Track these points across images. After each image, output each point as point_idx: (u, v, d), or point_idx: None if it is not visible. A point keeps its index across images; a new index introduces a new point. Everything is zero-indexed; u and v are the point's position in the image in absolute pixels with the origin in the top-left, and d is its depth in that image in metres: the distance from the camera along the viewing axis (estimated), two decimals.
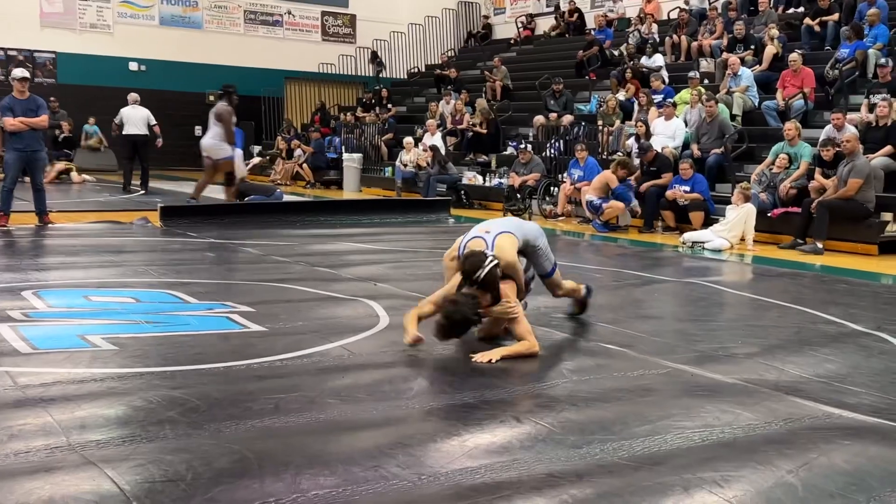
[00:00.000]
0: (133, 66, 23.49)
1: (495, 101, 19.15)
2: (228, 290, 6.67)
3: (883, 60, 12.69)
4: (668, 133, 13.20)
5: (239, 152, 13.63)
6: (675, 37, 17.72)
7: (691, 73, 14.71)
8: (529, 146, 15.15)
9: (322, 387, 4.14)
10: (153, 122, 16.24)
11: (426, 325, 4.91)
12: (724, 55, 15.25)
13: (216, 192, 13.90)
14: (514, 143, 16.27)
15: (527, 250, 5.30)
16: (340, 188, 19.14)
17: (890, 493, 3.06)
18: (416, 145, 17.37)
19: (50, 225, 10.65)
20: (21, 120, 10.29)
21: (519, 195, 14.11)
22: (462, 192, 15.70)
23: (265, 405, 3.80)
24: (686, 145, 13.19)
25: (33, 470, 3.01)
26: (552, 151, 15.30)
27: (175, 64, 23.79)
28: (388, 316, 5.76)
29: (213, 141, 12.86)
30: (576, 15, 22.34)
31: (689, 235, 10.82)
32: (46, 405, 3.73)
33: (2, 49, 22.25)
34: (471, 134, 17.49)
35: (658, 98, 14.74)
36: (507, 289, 4.91)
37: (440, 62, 24.23)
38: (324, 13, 26.50)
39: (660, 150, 12.70)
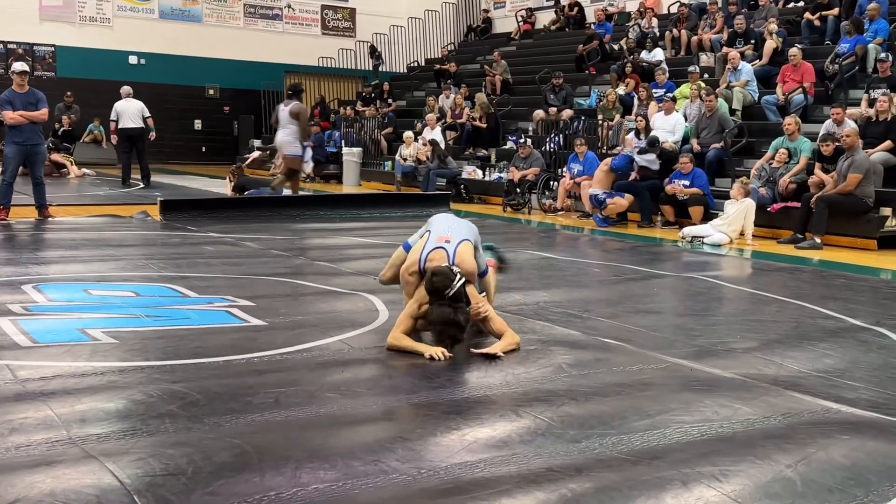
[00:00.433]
0: (132, 59, 23.47)
1: (495, 95, 19.14)
2: (228, 284, 6.68)
3: (883, 55, 12.69)
4: (667, 128, 13.19)
5: (309, 152, 14.22)
6: (674, 31, 17.71)
7: (691, 68, 14.72)
8: (529, 140, 15.16)
9: (322, 381, 4.15)
10: (147, 114, 16.19)
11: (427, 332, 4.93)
12: (724, 50, 15.25)
13: (218, 187, 13.90)
14: (514, 138, 16.27)
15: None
16: (340, 182, 19.14)
17: (888, 487, 3.07)
18: (415, 139, 17.36)
19: (50, 219, 10.65)
20: (21, 113, 10.29)
21: (518, 189, 14.11)
22: (462, 186, 15.70)
23: (265, 399, 3.81)
24: (686, 140, 13.18)
25: (34, 463, 3.02)
26: (552, 146, 15.30)
27: (174, 57, 23.76)
28: (387, 310, 5.76)
29: (287, 138, 13.38)
30: (576, 9, 22.32)
31: (688, 230, 10.82)
32: (47, 399, 3.73)
33: (1, 42, 22.23)
34: (470, 128, 17.48)
35: (658, 93, 14.73)
36: (471, 291, 4.89)
37: (440, 56, 24.21)
38: (323, 7, 26.47)
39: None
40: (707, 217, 11.27)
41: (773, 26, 14.91)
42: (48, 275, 6.92)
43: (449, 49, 25.09)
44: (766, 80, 14.35)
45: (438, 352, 4.61)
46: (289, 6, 25.83)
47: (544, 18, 23.92)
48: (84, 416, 3.55)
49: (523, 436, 3.46)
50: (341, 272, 7.48)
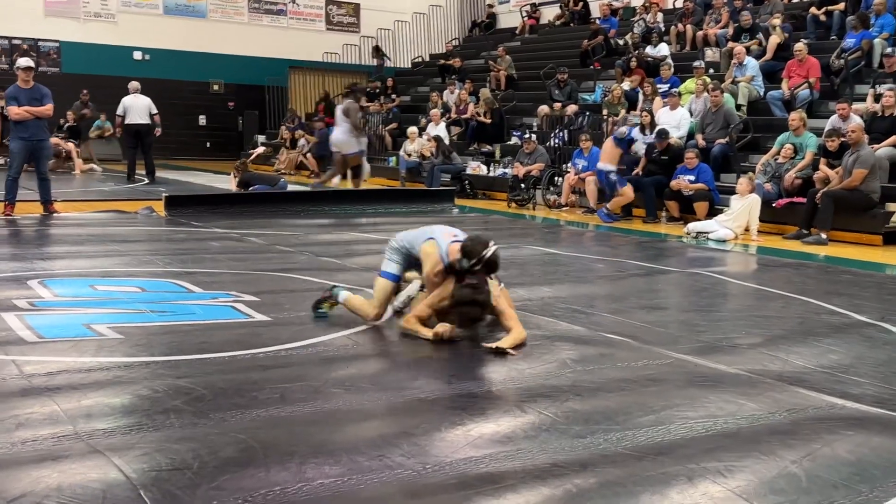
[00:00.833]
0: (137, 55, 23.47)
1: (499, 90, 19.11)
2: (233, 280, 6.69)
3: (889, 50, 12.64)
4: (672, 123, 13.16)
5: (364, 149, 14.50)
6: (679, 26, 17.66)
7: (696, 63, 14.67)
8: (534, 136, 15.13)
9: (327, 376, 4.16)
10: (154, 110, 16.22)
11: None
12: (730, 45, 15.21)
13: (223, 183, 13.90)
14: (519, 133, 16.24)
15: None
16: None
17: (893, 483, 3.07)
18: (420, 135, 17.35)
19: (55, 214, 10.66)
20: (26, 109, 10.30)
21: (523, 185, 14.10)
22: (466, 181, 15.69)
23: (270, 395, 3.81)
24: (691, 135, 13.16)
25: (40, 458, 3.03)
26: (556, 141, 15.28)
27: (179, 53, 23.77)
28: (391, 307, 5.75)
29: (344, 137, 13.76)
30: (580, 4, 22.27)
31: (693, 226, 10.80)
32: (52, 394, 3.75)
33: (6, 38, 22.25)
34: (475, 124, 17.46)
35: (663, 88, 14.70)
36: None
37: (444, 52, 24.18)
38: (328, 2, 26.45)
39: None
40: (712, 212, 11.25)
41: (776, 21, 14.87)
42: (53, 270, 6.94)
43: (453, 44, 25.07)
44: (771, 75, 14.31)
45: (441, 330, 4.70)
46: (293, 1, 25.81)
47: (549, 14, 23.88)
48: (90, 411, 3.57)
49: (528, 431, 3.46)
50: (346, 268, 7.48)
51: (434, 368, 4.44)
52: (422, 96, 21.90)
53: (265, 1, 25.45)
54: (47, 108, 10.49)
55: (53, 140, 14.59)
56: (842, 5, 15.15)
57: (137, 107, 16.09)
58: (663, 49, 16.92)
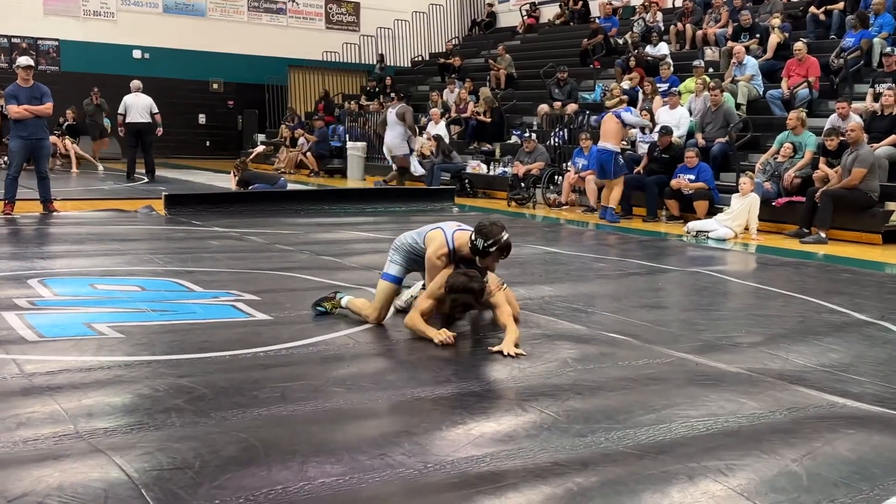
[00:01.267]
0: (136, 53, 23.47)
1: (499, 89, 19.12)
2: (233, 279, 6.69)
3: (888, 49, 12.64)
4: (672, 122, 13.16)
5: (415, 142, 15.23)
6: (679, 25, 17.66)
7: (696, 62, 14.67)
8: (534, 135, 15.13)
9: (327, 375, 4.16)
10: (155, 110, 16.25)
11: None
12: (729, 44, 15.21)
13: (223, 182, 13.90)
14: (519, 132, 16.24)
15: None
16: (344, 177, 19.13)
17: (894, 481, 3.07)
18: (419, 134, 17.35)
19: (54, 213, 10.66)
20: (25, 108, 10.30)
21: (523, 184, 14.11)
22: (466, 180, 15.68)
23: (271, 393, 3.81)
24: (690, 134, 13.16)
25: (41, 457, 3.03)
26: (556, 140, 15.28)
27: (178, 52, 23.77)
28: (392, 306, 5.75)
29: (395, 140, 14.72)
30: (580, 3, 22.28)
31: (693, 224, 10.81)
32: (53, 393, 3.75)
33: (5, 36, 22.24)
34: (475, 122, 17.46)
35: (663, 87, 14.70)
36: (491, 276, 5.05)
37: (444, 50, 24.18)
38: (328, 1, 26.44)
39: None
40: (712, 211, 11.26)
41: (776, 21, 14.87)
42: (54, 269, 6.94)
43: (453, 43, 25.06)
44: (770, 74, 14.32)
45: (444, 336, 4.72)
46: (293, 0, 25.80)
47: (549, 13, 23.88)
48: (91, 410, 3.57)
49: (529, 430, 3.46)
50: (346, 267, 7.48)
51: (435, 367, 4.44)
52: (421, 95, 21.89)
53: None
54: (47, 107, 10.49)
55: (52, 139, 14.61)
56: (841, 4, 15.15)
57: (138, 106, 16.11)
58: (663, 48, 16.92)
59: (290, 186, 14.38)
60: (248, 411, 3.58)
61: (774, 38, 14.56)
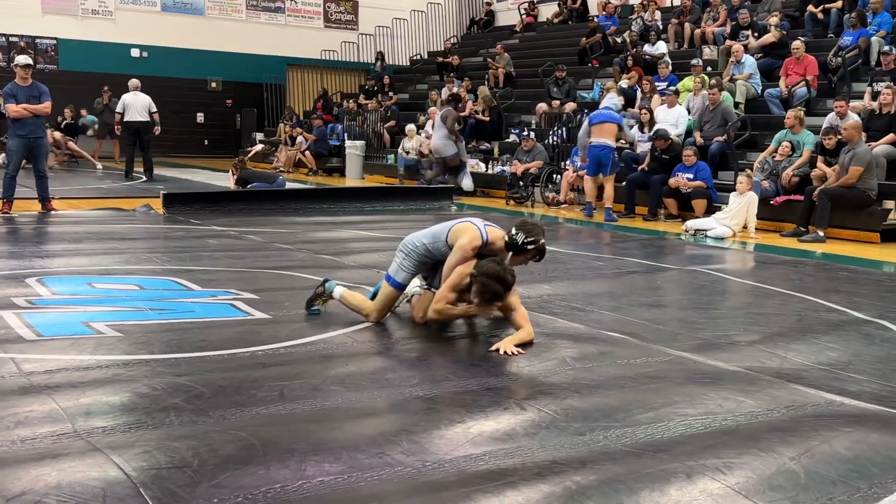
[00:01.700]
0: (135, 52, 23.46)
1: (498, 88, 19.11)
2: (232, 278, 6.69)
3: (886, 48, 12.65)
4: (670, 121, 13.17)
5: (462, 148, 15.50)
6: (675, 21, 17.67)
7: (694, 61, 14.67)
8: (532, 134, 15.14)
9: (326, 374, 4.16)
10: (154, 108, 16.25)
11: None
12: (727, 43, 15.21)
13: (221, 181, 13.88)
14: (517, 131, 16.25)
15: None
16: (343, 175, 19.14)
17: (891, 480, 3.08)
18: (418, 132, 17.35)
19: (52, 212, 10.66)
20: (24, 107, 10.29)
21: (521, 183, 14.10)
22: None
23: (270, 392, 3.81)
24: (689, 133, 13.17)
25: (40, 456, 3.03)
26: (555, 139, 15.28)
27: (177, 50, 23.76)
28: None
29: (441, 142, 14.86)
30: (579, 2, 22.27)
31: (691, 223, 10.82)
32: (52, 392, 3.74)
33: (4, 35, 22.23)
34: (473, 121, 17.45)
35: (662, 86, 14.70)
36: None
37: (443, 49, 24.17)
38: None
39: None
40: (710, 210, 11.27)
41: (774, 20, 14.87)
42: (52, 268, 6.93)
43: (452, 42, 25.05)
44: (769, 73, 14.33)
45: (473, 309, 4.77)
46: None
47: (547, 11, 23.88)
48: (89, 409, 3.57)
49: (528, 429, 3.46)
50: (344, 265, 7.48)
51: (433, 366, 4.44)
52: (420, 94, 21.91)
53: None
54: (45, 106, 10.48)
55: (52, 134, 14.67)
56: (839, 3, 15.16)
57: (136, 104, 16.11)
58: (661, 47, 16.92)
59: (289, 185, 14.38)
60: (247, 410, 3.58)
61: (770, 36, 14.56)
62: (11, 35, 22.30)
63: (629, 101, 15.25)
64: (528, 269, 7.41)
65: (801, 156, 11.24)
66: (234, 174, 14.00)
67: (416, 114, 19.60)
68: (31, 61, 10.81)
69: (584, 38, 18.89)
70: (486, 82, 19.32)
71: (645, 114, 13.43)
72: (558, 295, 6.39)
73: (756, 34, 15.04)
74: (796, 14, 15.96)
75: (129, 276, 6.68)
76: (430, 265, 5.21)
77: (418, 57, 25.21)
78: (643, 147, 13.04)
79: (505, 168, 15.15)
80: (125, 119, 16.15)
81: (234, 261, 7.52)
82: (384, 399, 3.83)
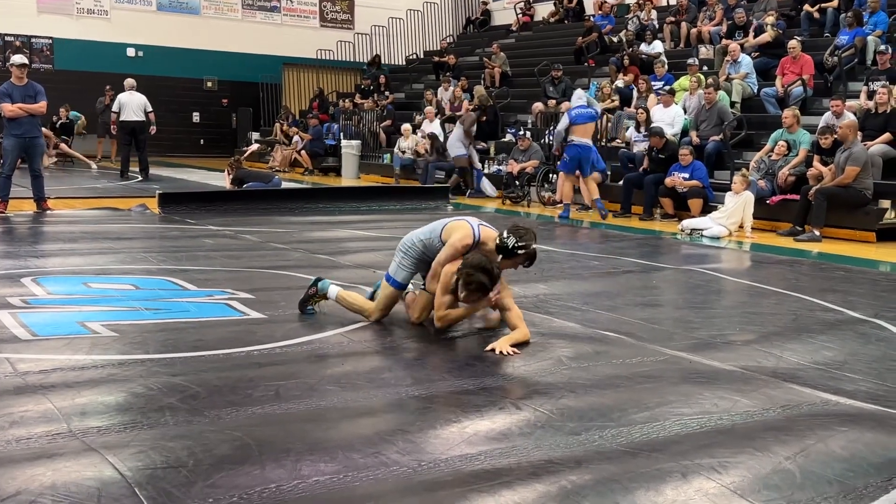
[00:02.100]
0: (130, 51, 23.43)
1: (494, 87, 19.11)
2: (227, 277, 6.68)
3: (882, 47, 12.67)
4: (666, 120, 13.17)
5: (474, 153, 15.71)
6: (670, 19, 17.67)
7: (690, 60, 14.68)
8: (528, 133, 15.14)
9: (322, 374, 4.16)
10: (149, 108, 16.23)
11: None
12: (724, 42, 15.22)
13: (217, 180, 13.87)
14: (513, 130, 16.26)
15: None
16: (339, 175, 19.13)
17: (887, 479, 3.08)
18: (414, 132, 17.34)
19: (48, 211, 10.64)
20: (19, 106, 10.28)
21: (517, 182, 14.10)
22: (461, 179, 15.67)
23: (265, 392, 3.81)
24: (685, 132, 13.17)
25: (35, 456, 3.02)
26: (551, 138, 15.26)
27: (172, 50, 23.74)
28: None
29: (454, 141, 15.29)
30: (575, 1, 22.28)
31: (687, 223, 10.83)
32: (47, 392, 3.74)
33: None
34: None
35: (658, 85, 14.71)
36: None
37: (439, 48, 24.16)
38: None
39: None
40: (706, 209, 11.28)
41: (770, 19, 14.89)
42: (47, 268, 6.92)
43: (448, 41, 25.05)
44: (765, 72, 14.34)
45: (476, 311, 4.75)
46: None
47: (543, 10, 23.88)
48: (84, 409, 3.56)
49: (523, 428, 3.46)
50: (340, 265, 7.48)
51: (429, 366, 4.44)
52: (416, 93, 21.89)
53: None
54: (41, 106, 10.47)
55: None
56: (835, 2, 15.17)
57: (132, 104, 16.08)
58: (657, 46, 16.93)
59: (285, 185, 14.36)
60: (242, 410, 3.57)
61: (766, 36, 14.57)
62: (7, 34, 22.27)
63: (625, 100, 15.27)
64: (524, 269, 7.42)
65: (797, 155, 11.24)
66: (229, 174, 13.98)
67: (412, 113, 19.60)
68: (26, 60, 10.78)
69: (581, 38, 18.89)
70: (482, 82, 19.32)
71: (641, 113, 13.43)
72: (554, 294, 6.39)
73: (753, 32, 15.05)
74: (792, 13, 15.97)
75: (125, 275, 6.67)
76: (428, 263, 5.21)
77: (414, 56, 25.21)
78: (639, 147, 13.04)
79: (501, 167, 15.15)
80: (121, 119, 16.13)
81: (229, 260, 7.51)
82: (380, 399, 3.83)
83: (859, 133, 10.69)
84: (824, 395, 4.03)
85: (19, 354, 4.32)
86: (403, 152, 17.02)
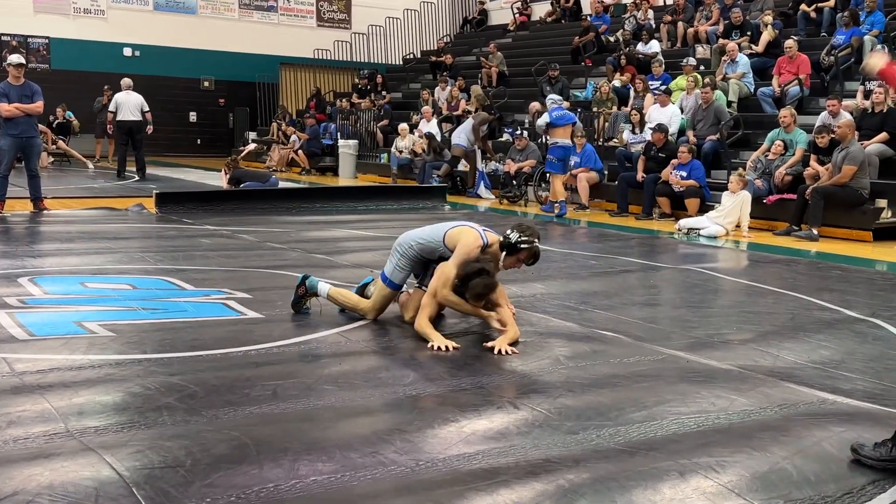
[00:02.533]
0: (127, 51, 23.42)
1: (491, 87, 19.10)
2: (225, 277, 6.67)
3: (879, 47, 12.68)
4: (663, 120, 13.17)
5: (478, 152, 15.78)
6: (667, 18, 17.68)
7: (687, 60, 14.68)
8: (525, 133, 15.13)
9: (319, 373, 4.16)
10: (146, 108, 16.23)
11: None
12: (721, 41, 15.23)
13: (214, 180, 13.85)
14: (510, 130, 16.25)
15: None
16: (336, 175, 19.12)
17: (884, 478, 3.08)
18: (411, 132, 17.33)
19: (45, 211, 10.63)
20: (16, 106, 10.26)
21: (515, 182, 14.10)
22: (458, 178, 15.68)
23: (263, 392, 3.81)
24: (682, 132, 13.18)
25: (32, 456, 3.02)
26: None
27: (169, 49, 23.72)
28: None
29: (459, 134, 15.40)
30: (571, 1, 22.28)
31: (684, 222, 10.83)
32: (44, 392, 3.73)
33: None
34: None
35: (655, 84, 14.72)
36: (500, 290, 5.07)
37: (436, 48, 24.15)
38: None
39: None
40: (703, 209, 11.28)
41: (768, 18, 14.90)
42: (44, 268, 6.91)
43: (445, 41, 25.04)
44: (761, 71, 14.35)
45: (444, 344, 4.66)
46: None
47: (540, 10, 23.87)
48: (82, 408, 3.56)
49: (521, 427, 3.46)
50: (338, 265, 7.47)
51: (427, 365, 4.44)
52: (413, 93, 21.88)
53: None
54: (38, 106, 10.45)
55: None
56: (832, 2, 15.18)
57: (129, 103, 16.08)
58: (654, 46, 16.93)
59: (282, 184, 14.36)
60: (240, 409, 3.57)
61: (766, 36, 14.59)
62: (3, 34, 22.23)
63: (622, 100, 15.27)
64: (522, 268, 7.42)
65: (793, 154, 11.26)
66: (226, 173, 13.98)
67: (409, 113, 19.59)
68: (23, 60, 10.76)
69: (578, 37, 18.89)
70: (479, 81, 19.31)
71: (635, 114, 13.44)
72: (552, 293, 6.39)
73: (749, 34, 15.05)
74: (789, 12, 15.98)
75: (122, 275, 6.66)
76: (424, 264, 5.22)
77: (411, 56, 25.20)
78: (635, 147, 13.04)
79: (498, 167, 15.15)
80: (118, 118, 16.12)
81: (226, 260, 7.51)
82: (377, 398, 3.83)
83: (856, 132, 10.69)
84: (821, 394, 4.04)
85: (16, 354, 4.32)
86: (401, 152, 17.02)
